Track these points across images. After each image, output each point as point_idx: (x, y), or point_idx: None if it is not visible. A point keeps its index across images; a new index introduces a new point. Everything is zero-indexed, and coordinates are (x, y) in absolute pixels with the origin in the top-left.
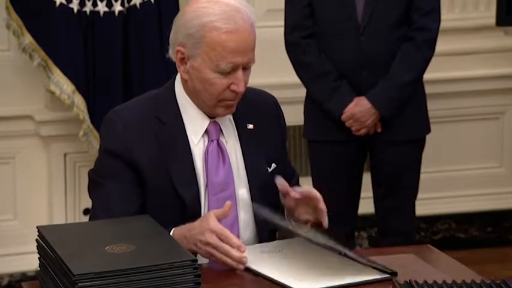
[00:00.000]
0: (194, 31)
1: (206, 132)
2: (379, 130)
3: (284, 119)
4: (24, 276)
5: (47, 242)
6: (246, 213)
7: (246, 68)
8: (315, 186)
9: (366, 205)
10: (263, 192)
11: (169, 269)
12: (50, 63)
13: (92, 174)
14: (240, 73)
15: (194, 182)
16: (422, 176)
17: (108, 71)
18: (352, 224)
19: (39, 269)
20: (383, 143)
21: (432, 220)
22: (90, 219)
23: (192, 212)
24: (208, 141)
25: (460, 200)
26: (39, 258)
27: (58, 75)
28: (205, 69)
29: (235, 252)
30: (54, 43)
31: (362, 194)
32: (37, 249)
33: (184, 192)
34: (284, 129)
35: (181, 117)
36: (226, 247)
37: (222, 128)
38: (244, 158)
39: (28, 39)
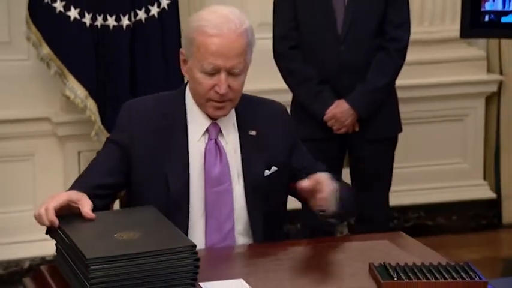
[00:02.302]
0: (188, 33)
1: (207, 131)
2: (357, 129)
3: (292, 124)
4: (43, 260)
5: (63, 230)
6: (241, 207)
7: (231, 73)
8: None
9: None
10: (257, 192)
11: (171, 254)
12: (65, 71)
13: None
14: (222, 76)
15: (185, 174)
16: (395, 170)
17: (117, 78)
18: None
19: (56, 254)
20: (360, 141)
21: (404, 210)
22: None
23: (176, 201)
24: (208, 139)
25: (429, 192)
26: (55, 244)
27: (72, 82)
28: (194, 68)
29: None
30: (69, 53)
31: None
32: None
33: (172, 181)
34: (293, 133)
35: (186, 117)
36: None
37: (222, 130)
38: (242, 160)
39: (46, 50)
